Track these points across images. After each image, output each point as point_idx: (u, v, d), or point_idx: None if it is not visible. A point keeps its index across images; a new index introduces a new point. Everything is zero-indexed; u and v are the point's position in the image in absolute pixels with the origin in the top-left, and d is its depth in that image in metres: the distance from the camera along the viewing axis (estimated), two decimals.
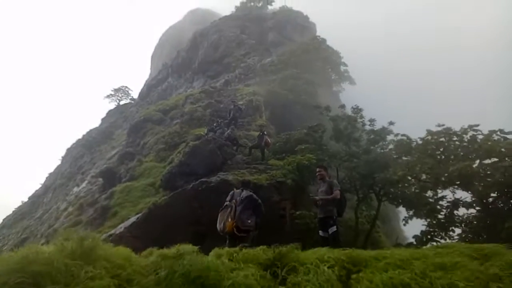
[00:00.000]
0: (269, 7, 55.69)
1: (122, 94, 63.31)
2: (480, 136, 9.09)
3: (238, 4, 57.18)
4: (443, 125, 10.02)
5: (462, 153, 9.30)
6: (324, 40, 36.93)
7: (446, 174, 8.88)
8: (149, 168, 19.67)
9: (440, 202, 9.74)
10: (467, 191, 9.07)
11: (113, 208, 16.49)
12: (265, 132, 15.63)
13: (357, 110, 13.78)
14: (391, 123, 12.63)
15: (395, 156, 11.44)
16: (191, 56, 48.47)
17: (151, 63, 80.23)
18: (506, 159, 8.36)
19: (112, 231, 12.16)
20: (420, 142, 10.60)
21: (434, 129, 10.28)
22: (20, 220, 38.05)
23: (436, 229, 9.58)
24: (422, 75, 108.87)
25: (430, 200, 9.99)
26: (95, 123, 63.75)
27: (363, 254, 4.03)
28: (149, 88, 57.11)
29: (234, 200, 7.35)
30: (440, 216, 9.61)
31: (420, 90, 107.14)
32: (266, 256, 3.99)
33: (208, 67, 43.43)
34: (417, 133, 11.19)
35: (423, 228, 9.89)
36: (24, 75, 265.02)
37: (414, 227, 10.74)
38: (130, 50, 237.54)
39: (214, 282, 3.18)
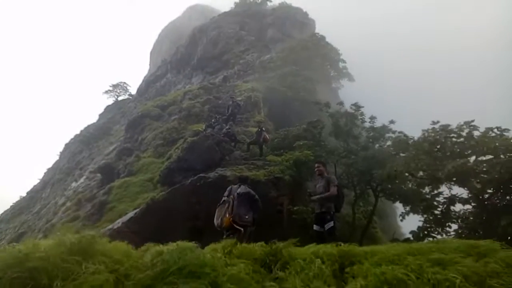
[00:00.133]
0: (268, 3, 55.42)
1: (120, 90, 63.18)
2: (477, 133, 9.12)
3: (237, 0, 56.89)
4: (437, 122, 10.05)
5: (458, 150, 9.32)
6: (323, 37, 36.90)
7: (442, 172, 8.91)
8: (147, 164, 19.68)
9: (437, 198, 9.79)
10: (464, 188, 9.11)
11: (111, 203, 16.53)
12: (264, 128, 15.65)
13: (357, 107, 13.77)
14: (391, 121, 12.64)
15: (393, 153, 11.48)
16: (190, 52, 48.33)
17: (150, 59, 79.93)
18: (502, 156, 8.39)
19: (110, 226, 12.18)
20: (416, 139, 10.63)
21: (431, 127, 10.30)
22: (18, 215, 38.04)
23: (433, 225, 9.63)
24: (421, 74, 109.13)
25: (427, 196, 10.04)
26: (93, 118, 63.57)
27: (358, 249, 4.06)
28: (147, 84, 56.96)
29: (231, 196, 7.38)
30: (436, 212, 9.66)
31: (420, 90, 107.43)
32: (262, 251, 4.01)
33: (207, 63, 43.31)
34: (416, 132, 11.23)
35: (420, 224, 9.94)
36: (23, 71, 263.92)
37: (411, 222, 10.79)
38: (129, 46, 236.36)
39: (209, 277, 3.20)
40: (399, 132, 12.05)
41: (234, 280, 3.17)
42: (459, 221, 9.31)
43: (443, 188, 9.73)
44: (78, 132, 54.34)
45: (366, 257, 3.74)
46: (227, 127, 17.36)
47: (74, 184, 31.00)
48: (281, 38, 44.08)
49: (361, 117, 13.62)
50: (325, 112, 14.91)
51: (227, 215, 7.02)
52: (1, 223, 38.74)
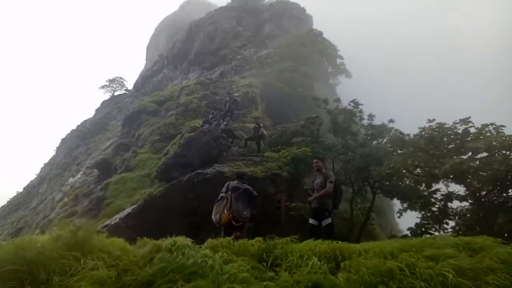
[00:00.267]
0: None
1: (117, 85, 62.84)
2: (473, 130, 9.12)
3: None
4: (433, 120, 10.06)
5: (454, 147, 9.33)
6: (320, 33, 36.73)
7: (439, 169, 8.93)
8: (144, 160, 19.64)
9: (434, 195, 9.81)
10: (460, 185, 9.14)
11: (109, 199, 16.51)
12: (261, 124, 15.61)
13: (355, 104, 13.75)
14: (391, 120, 12.63)
15: (390, 149, 11.49)
16: (187, 47, 48.12)
17: (146, 53, 79.54)
18: (497, 153, 8.41)
19: (108, 222, 12.16)
20: (413, 136, 10.64)
21: (427, 125, 10.30)
22: (15, 211, 37.93)
23: (430, 222, 9.66)
24: (421, 74, 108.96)
25: (424, 193, 10.06)
26: (90, 113, 63.32)
27: (354, 246, 4.07)
28: (144, 79, 56.71)
29: (229, 192, 7.36)
30: (434, 209, 9.69)
31: (418, 89, 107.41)
32: (259, 248, 4.01)
33: (204, 59, 43.14)
34: (414, 130, 11.25)
35: (418, 220, 9.97)
36: (19, 66, 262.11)
37: (408, 219, 10.83)
38: (125, 41, 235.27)
39: (208, 274, 3.19)
40: (395, 130, 12.07)
41: (234, 278, 3.17)
42: (457, 218, 9.34)
43: (440, 185, 9.76)
44: (74, 127, 54.09)
45: (361, 253, 3.75)
46: (224, 123, 17.33)
47: (71, 180, 30.91)
48: (278, 33, 43.89)
49: (359, 114, 13.61)
50: (323, 109, 14.88)
51: (226, 211, 7.00)
52: None
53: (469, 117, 9.43)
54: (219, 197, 7.44)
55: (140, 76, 61.84)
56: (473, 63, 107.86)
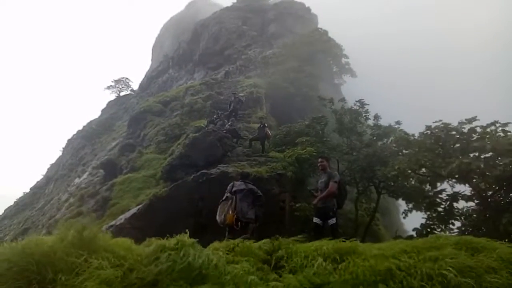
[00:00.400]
0: None
1: (123, 85, 63.23)
2: (478, 129, 9.05)
3: None
4: (440, 120, 10.00)
5: (460, 147, 9.26)
6: (325, 32, 36.61)
7: (444, 169, 8.87)
8: (149, 160, 19.72)
9: (440, 195, 9.74)
10: (465, 184, 9.06)
11: (114, 200, 16.58)
12: (266, 124, 15.60)
13: (361, 104, 13.69)
14: (398, 122, 12.56)
15: (395, 149, 11.43)
16: (192, 48, 48.30)
17: (152, 54, 79.98)
18: (503, 153, 8.33)
19: (113, 222, 12.23)
20: (417, 136, 10.58)
21: (433, 124, 10.24)
22: (21, 211, 38.28)
23: (436, 222, 9.57)
24: (422, 74, 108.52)
25: (430, 193, 9.99)
26: (96, 114, 63.78)
27: (359, 246, 4.06)
28: (149, 79, 57.03)
29: (234, 192, 7.38)
30: (439, 209, 9.60)
31: (422, 89, 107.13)
32: (264, 249, 4.02)
33: (209, 59, 43.28)
34: (417, 129, 11.19)
35: (423, 221, 9.91)
36: (27, 68, 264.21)
37: (414, 220, 10.77)
38: (131, 41, 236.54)
39: (213, 275, 3.21)
40: (400, 130, 12.02)
41: (239, 279, 3.18)
42: (462, 218, 9.26)
43: (445, 186, 9.69)
44: (80, 127, 54.52)
45: (364, 253, 3.75)
46: (229, 123, 17.35)
47: (77, 180, 31.13)
48: (283, 33, 43.87)
49: (365, 115, 13.55)
50: (329, 108, 14.84)
51: (231, 212, 7.02)
52: (5, 219, 39.01)
53: (475, 117, 9.36)
54: (224, 198, 7.46)
55: (145, 76, 62.21)
56: (473, 63, 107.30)
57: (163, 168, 15.94)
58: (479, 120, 9.22)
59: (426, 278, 2.97)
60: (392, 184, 11.03)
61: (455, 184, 9.41)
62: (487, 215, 8.60)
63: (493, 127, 8.82)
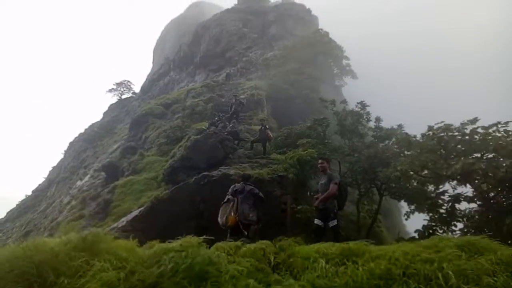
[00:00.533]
0: (271, 0, 55.31)
1: (124, 88, 63.37)
2: (481, 130, 9.02)
3: None
4: (442, 121, 9.97)
5: (463, 148, 9.24)
6: (326, 33, 36.60)
7: (446, 170, 8.84)
8: (151, 162, 19.76)
9: (442, 197, 9.71)
10: (466, 185, 9.04)
11: (116, 202, 16.61)
12: (267, 126, 15.61)
13: (362, 105, 13.67)
14: (400, 125, 12.54)
15: (397, 151, 11.41)
16: (193, 50, 48.40)
17: (153, 57, 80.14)
18: (506, 154, 8.30)
19: (115, 225, 12.23)
20: (419, 137, 10.56)
21: (435, 125, 10.22)
22: (23, 214, 38.36)
23: (438, 224, 9.54)
24: (422, 74, 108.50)
25: (432, 194, 9.97)
26: (97, 117, 63.95)
27: (361, 248, 4.05)
28: (151, 82, 57.14)
29: (236, 194, 7.38)
30: (441, 211, 9.57)
31: (423, 89, 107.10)
32: (266, 250, 4.01)
33: (210, 61, 43.34)
34: (418, 130, 11.17)
35: (425, 222, 9.87)
36: (29, 70, 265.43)
37: (416, 221, 10.74)
38: (132, 44, 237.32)
39: (215, 275, 3.21)
40: (402, 131, 12.00)
41: (240, 279, 3.18)
42: (465, 219, 9.23)
43: (447, 187, 9.65)
44: (82, 130, 54.64)
45: (365, 255, 3.74)
46: (230, 125, 17.35)
47: (79, 183, 31.17)
48: (284, 35, 43.90)
49: (366, 116, 13.54)
50: (330, 110, 14.83)
51: (232, 214, 7.02)
52: (7, 222, 39.07)
53: (477, 118, 9.34)
54: (225, 200, 7.46)
55: (147, 79, 62.33)
56: (473, 63, 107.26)
57: (165, 170, 15.96)
58: (480, 119, 9.23)
59: (425, 280, 2.97)
60: (394, 185, 11.01)
61: (457, 186, 9.39)
62: (490, 217, 8.57)
63: (495, 128, 8.81)
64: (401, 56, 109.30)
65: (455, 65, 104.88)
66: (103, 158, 33.09)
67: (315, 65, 32.07)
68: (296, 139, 14.28)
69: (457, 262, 3.14)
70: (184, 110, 25.34)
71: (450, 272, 2.95)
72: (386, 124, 13.06)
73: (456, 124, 9.60)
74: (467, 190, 9.18)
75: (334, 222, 7.00)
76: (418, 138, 10.56)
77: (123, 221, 12.20)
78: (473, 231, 8.71)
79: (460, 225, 9.28)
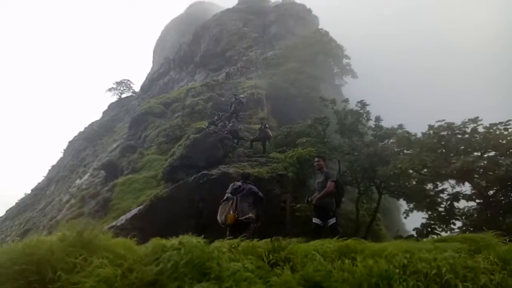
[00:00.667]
0: None
1: (124, 87, 63.14)
2: (481, 130, 9.03)
3: None
4: (443, 120, 9.97)
5: (463, 147, 9.25)
6: (326, 33, 36.55)
7: (446, 169, 8.85)
8: (150, 161, 19.74)
9: (441, 195, 9.72)
10: (464, 183, 9.05)
11: (115, 200, 16.61)
12: (267, 125, 15.60)
13: (362, 105, 13.68)
14: (400, 125, 12.55)
15: (396, 150, 11.43)
16: (193, 50, 48.33)
17: (153, 56, 80.00)
18: (506, 153, 8.32)
19: (114, 223, 12.24)
20: (420, 136, 10.57)
21: (436, 124, 10.23)
22: (23, 212, 38.32)
23: (437, 222, 9.56)
24: (422, 74, 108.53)
25: (431, 193, 9.98)
26: (97, 115, 63.88)
27: (359, 245, 4.05)
28: (150, 81, 57.06)
29: (235, 192, 7.38)
30: (440, 209, 9.59)
31: (423, 89, 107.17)
32: (265, 248, 4.01)
33: (210, 61, 43.29)
34: (417, 129, 11.19)
35: (424, 220, 9.88)
36: (28, 69, 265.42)
37: (415, 219, 10.75)
38: (132, 44, 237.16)
39: (215, 271, 3.21)
40: (402, 130, 12.02)
41: (240, 275, 3.18)
42: (463, 218, 9.24)
43: (446, 185, 9.66)
44: (82, 129, 54.56)
45: (363, 253, 3.74)
46: (230, 124, 17.36)
47: (78, 181, 31.16)
48: (284, 34, 43.83)
49: (366, 116, 13.55)
50: (330, 109, 14.83)
51: (231, 212, 7.01)
52: (6, 220, 39.04)
53: (478, 117, 9.36)
54: (225, 198, 7.46)
55: (147, 78, 62.21)
56: (473, 63, 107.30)
57: (164, 169, 15.96)
58: (481, 119, 9.24)
59: (424, 279, 2.97)
60: (393, 184, 11.03)
61: (456, 184, 9.41)
62: (489, 215, 8.58)
63: (495, 127, 8.83)
64: (401, 56, 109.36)
65: (455, 65, 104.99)
66: (102, 157, 33.05)
67: (315, 65, 32.06)
68: (295, 138, 14.29)
69: (455, 260, 3.14)
70: (184, 109, 25.32)
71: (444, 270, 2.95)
72: (386, 123, 13.09)
73: (457, 123, 9.62)
74: (466, 188, 9.19)
75: (333, 220, 6.96)
76: (419, 137, 10.58)
77: (122, 219, 12.21)
78: (472, 229, 8.72)
79: (459, 223, 9.30)
